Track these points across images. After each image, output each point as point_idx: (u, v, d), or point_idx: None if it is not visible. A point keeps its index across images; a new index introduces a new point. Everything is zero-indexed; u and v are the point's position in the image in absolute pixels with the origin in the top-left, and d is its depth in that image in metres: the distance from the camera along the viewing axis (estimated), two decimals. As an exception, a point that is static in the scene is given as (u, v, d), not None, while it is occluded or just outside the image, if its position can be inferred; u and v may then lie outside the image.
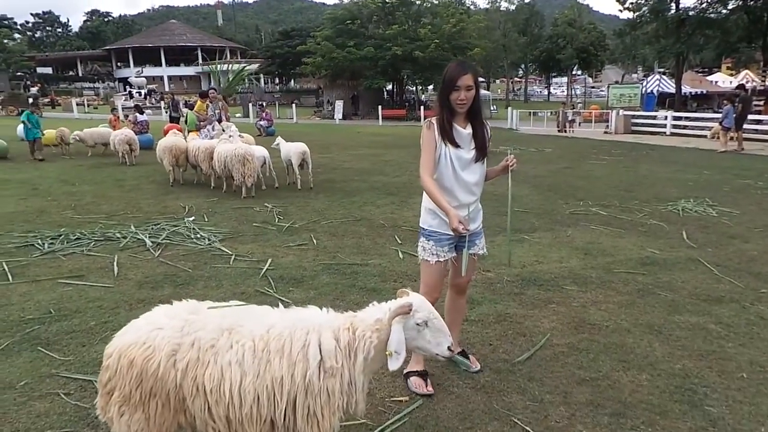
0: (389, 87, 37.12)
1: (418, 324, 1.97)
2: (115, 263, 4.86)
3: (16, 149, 13.49)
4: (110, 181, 9.52)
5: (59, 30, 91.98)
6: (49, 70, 66.78)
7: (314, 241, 5.69)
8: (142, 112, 14.49)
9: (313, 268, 4.84)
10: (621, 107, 23.46)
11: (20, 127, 17.36)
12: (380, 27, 33.47)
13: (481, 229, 2.98)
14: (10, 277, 4.48)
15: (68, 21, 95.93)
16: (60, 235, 5.73)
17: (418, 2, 34.44)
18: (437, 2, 35.73)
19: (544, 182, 9.56)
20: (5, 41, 58.39)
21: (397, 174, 10.34)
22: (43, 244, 5.42)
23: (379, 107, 28.95)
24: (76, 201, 7.68)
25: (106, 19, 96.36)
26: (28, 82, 52.43)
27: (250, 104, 31.40)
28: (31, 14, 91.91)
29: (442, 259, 2.82)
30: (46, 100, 41.82)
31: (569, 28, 52.23)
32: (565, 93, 55.62)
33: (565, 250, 5.49)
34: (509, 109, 27.39)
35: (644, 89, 27.68)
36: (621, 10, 30.04)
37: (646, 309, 3.99)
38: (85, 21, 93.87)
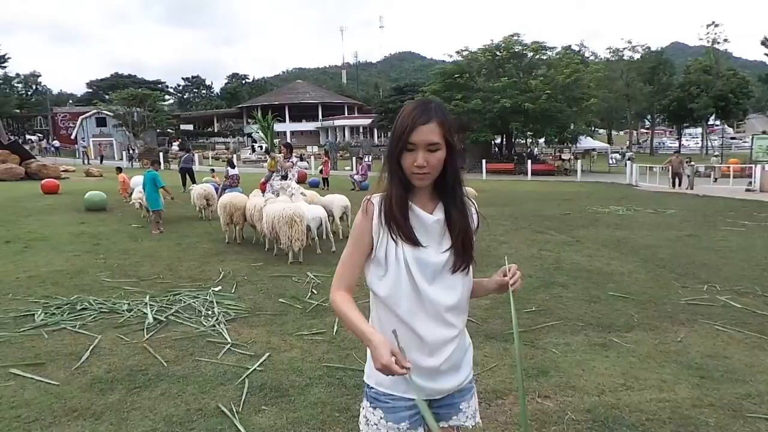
0: (498, 140, 35.79)
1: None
2: (89, 349, 4.14)
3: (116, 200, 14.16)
4: (173, 237, 9.29)
5: (204, 91, 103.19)
6: (191, 127, 74.44)
7: (334, 329, 4.60)
8: (233, 166, 14.61)
9: (311, 374, 3.73)
10: (768, 161, 19.97)
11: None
12: (490, 80, 32.63)
13: (470, 384, 1.70)
14: (-34, 360, 3.91)
15: (212, 84, 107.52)
16: (67, 304, 5.24)
17: (530, 54, 33.21)
18: (552, 54, 34.19)
19: (656, 255, 7.67)
20: (157, 103, 66.36)
21: (481, 237, 8.99)
22: (41, 315, 4.92)
23: (483, 161, 27.64)
24: (123, 261, 7.36)
25: (243, 81, 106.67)
26: (170, 138, 58.57)
27: (354, 158, 31.76)
28: (182, 78, 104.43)
29: None
30: (182, 153, 46.07)
31: (704, 75, 47.42)
32: (699, 145, 50.26)
33: (671, 367, 3.83)
34: (628, 162, 24.72)
35: (799, 140, 23.53)
36: (768, 53, 26.37)
37: None
38: (225, 83, 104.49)
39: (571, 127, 32.07)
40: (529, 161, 28.63)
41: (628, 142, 56.81)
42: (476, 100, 30.36)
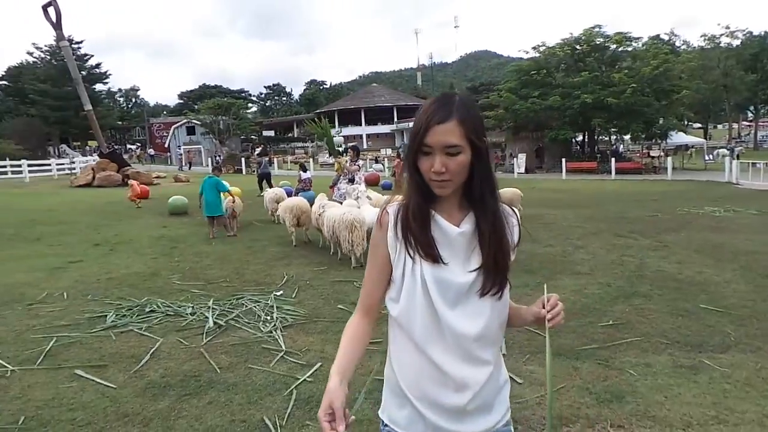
0: (579, 138, 34.14)
1: None
2: (150, 352, 4.22)
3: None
4: (245, 240, 9.50)
5: (284, 99, 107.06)
6: (272, 133, 77.35)
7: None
8: (305, 170, 14.89)
9: (361, 387, 3.55)
10: None
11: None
12: (569, 75, 31.20)
13: (506, 428, 1.42)
14: (38, 361, 4.09)
15: (291, 91, 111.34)
16: (137, 306, 5.42)
17: (613, 46, 31.39)
18: (638, 45, 32.10)
19: (759, 263, 6.80)
20: (241, 111, 69.56)
21: (551, 242, 8.47)
22: (112, 316, 5.11)
23: (563, 160, 26.40)
24: (195, 263, 7.59)
25: (321, 87, 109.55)
26: (253, 144, 61.13)
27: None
28: (264, 87, 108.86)
29: None
30: (259, 158, 48.18)
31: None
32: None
33: (776, 397, 3.29)
34: (726, 158, 22.63)
35: None
36: None
37: None
38: (304, 90, 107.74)
39: (660, 121, 29.92)
40: (613, 159, 27.00)
41: (727, 137, 52.24)
42: (554, 97, 29.14)
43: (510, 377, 3.46)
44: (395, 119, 72.16)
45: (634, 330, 4.47)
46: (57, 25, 25.77)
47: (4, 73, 61.35)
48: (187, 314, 5.16)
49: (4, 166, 27.64)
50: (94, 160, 28.90)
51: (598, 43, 30.92)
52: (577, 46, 31.23)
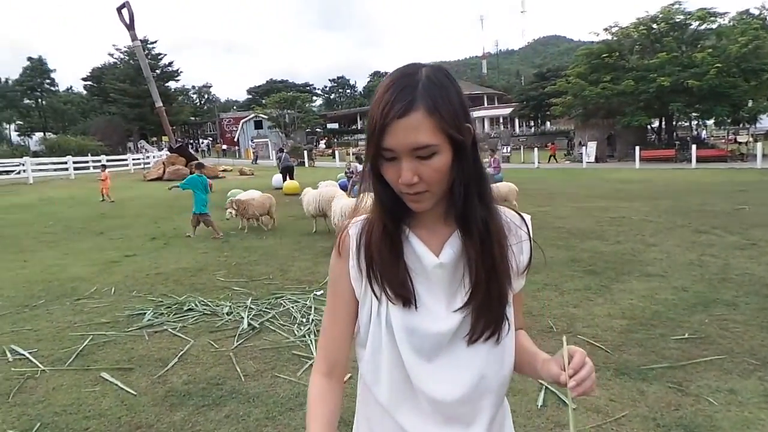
0: (655, 124, 31.93)
1: None
2: (178, 356, 4.07)
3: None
4: (294, 235, 9.37)
5: (348, 91, 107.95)
6: (336, 126, 78.19)
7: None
8: (361, 161, 14.66)
9: None
10: None
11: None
12: (644, 57, 29.16)
13: None
14: (69, 361, 4.03)
15: (355, 83, 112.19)
16: (176, 304, 5.33)
17: (694, 24, 28.98)
18: (724, 21, 29.45)
19: None
20: (306, 104, 70.76)
21: (620, 239, 7.73)
22: (150, 315, 5.04)
23: (637, 148, 24.70)
24: (242, 259, 7.51)
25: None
26: (317, 138, 62.10)
27: (489, 150, 30.40)
28: (329, 80, 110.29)
29: None
30: (329, 150, 49.23)
31: None
32: None
33: None
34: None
35: None
36: None
37: None
38: (368, 82, 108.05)
39: (749, 104, 27.35)
40: (694, 146, 24.96)
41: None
42: (628, 81, 27.28)
43: (563, 400, 3.01)
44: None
45: (715, 346, 3.83)
46: (130, 26, 27.01)
47: (88, 74, 65.61)
48: (223, 314, 5.01)
49: (86, 162, 29.44)
50: (166, 155, 30.16)
51: (677, 20, 28.62)
52: (654, 25, 29.08)
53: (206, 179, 9.78)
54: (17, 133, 72.35)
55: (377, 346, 0.98)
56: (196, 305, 5.26)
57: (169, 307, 5.25)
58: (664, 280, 5.57)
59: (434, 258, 0.95)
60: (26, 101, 72.58)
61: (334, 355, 1.04)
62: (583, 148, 29.08)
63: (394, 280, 0.95)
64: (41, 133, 63.40)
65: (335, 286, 1.04)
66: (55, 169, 29.05)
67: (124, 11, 26.74)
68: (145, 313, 5.08)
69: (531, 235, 1.04)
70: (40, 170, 28.37)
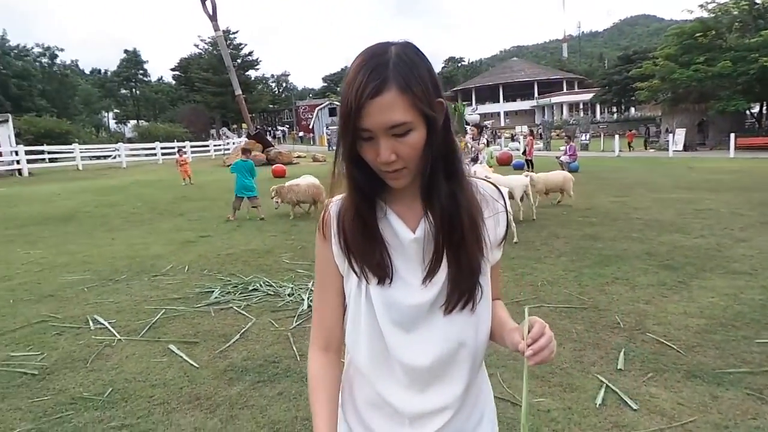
0: (755, 109, 29.30)
1: None
2: (240, 332, 4.23)
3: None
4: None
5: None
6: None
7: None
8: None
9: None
10: None
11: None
12: (744, 35, 26.74)
13: None
14: (143, 332, 4.31)
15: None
16: (242, 284, 5.55)
17: (807, -4, 26.16)
18: None
19: None
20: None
21: (704, 233, 7.18)
22: (217, 293, 5.27)
23: (732, 135, 22.78)
24: (308, 242, 7.67)
25: (458, 65, 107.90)
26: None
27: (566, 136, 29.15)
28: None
29: None
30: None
31: None
32: None
33: None
34: None
35: None
36: None
37: None
38: (442, 68, 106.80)
39: None
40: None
41: None
42: (725, 62, 25.16)
43: (624, 400, 2.85)
44: (536, 95, 68.64)
45: (806, 352, 3.47)
46: (213, 17, 28.24)
47: (176, 65, 69.42)
48: (285, 295, 5.15)
49: (173, 147, 31.29)
50: (245, 141, 31.45)
51: (786, -6, 26.03)
52: (758, 0, 26.57)
53: (251, 164, 10.28)
54: (114, 121, 78.16)
55: (357, 318, 1.03)
56: (260, 285, 5.45)
57: (236, 286, 5.47)
58: (752, 278, 5.10)
59: (410, 233, 0.99)
60: (122, 91, 78.17)
61: (329, 330, 1.09)
62: (670, 135, 27.23)
63: (370, 261, 0.99)
64: (135, 121, 68.08)
65: (322, 263, 1.08)
66: (146, 155, 31.09)
67: (208, 3, 27.98)
68: (213, 291, 5.33)
69: (507, 208, 1.07)
70: (133, 155, 30.49)
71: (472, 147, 10.25)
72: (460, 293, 0.99)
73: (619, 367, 3.36)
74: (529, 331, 0.94)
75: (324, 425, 1.04)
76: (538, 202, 9.47)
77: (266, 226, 9.26)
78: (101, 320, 4.59)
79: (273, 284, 5.48)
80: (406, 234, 0.99)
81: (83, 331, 4.39)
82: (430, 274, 0.98)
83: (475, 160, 9.34)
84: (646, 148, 30.22)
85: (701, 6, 28.91)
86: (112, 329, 4.38)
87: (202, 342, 4.08)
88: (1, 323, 4.66)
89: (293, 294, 5.16)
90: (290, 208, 10.26)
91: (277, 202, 10.00)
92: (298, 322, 4.43)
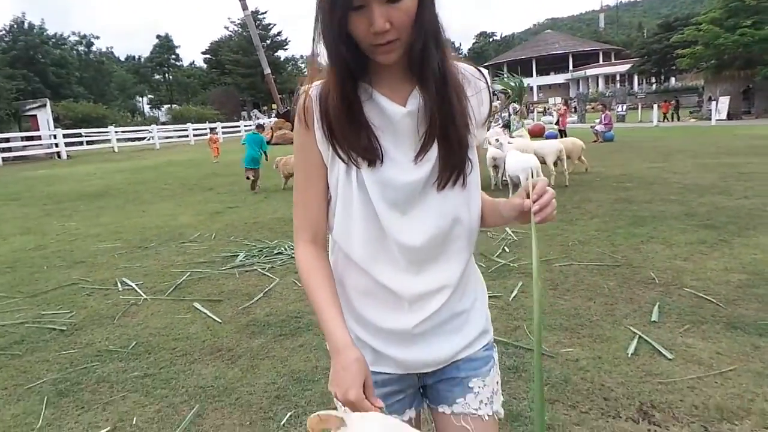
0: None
1: None
2: (264, 291, 4.22)
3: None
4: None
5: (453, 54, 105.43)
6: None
7: (513, 293, 3.80)
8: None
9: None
10: None
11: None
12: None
13: (487, 352, 1.12)
14: (169, 292, 4.34)
15: (461, 45, 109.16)
16: (267, 248, 5.54)
17: None
18: None
19: None
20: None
21: (747, 194, 6.80)
22: (242, 256, 5.28)
23: (781, 101, 21.61)
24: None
25: (490, 40, 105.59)
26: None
27: (601, 105, 28.20)
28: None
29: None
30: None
31: None
32: None
33: None
34: None
35: None
36: None
37: None
38: (473, 43, 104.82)
39: None
40: None
41: None
42: (774, 24, 23.79)
43: (658, 350, 2.70)
44: (570, 67, 66.58)
45: None
46: (241, -3, 28.24)
47: (207, 48, 70.02)
48: (310, 257, 5.12)
49: (204, 128, 31.73)
50: (274, 121, 31.63)
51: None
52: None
53: (262, 138, 11.03)
54: (149, 106, 79.71)
55: (348, 205, 0.99)
56: (285, 249, 5.43)
57: (261, 250, 5.48)
58: (799, 235, 4.81)
59: (401, 108, 0.96)
60: (156, 77, 79.47)
61: (315, 222, 1.04)
62: (713, 103, 26.03)
63: (357, 144, 0.95)
64: (168, 105, 69.24)
65: (304, 154, 1.02)
66: (179, 136, 31.62)
67: (236, -18, 27.96)
68: (238, 255, 5.34)
69: (489, 86, 1.05)
70: (166, 138, 31.04)
71: (502, 113, 9.98)
72: (452, 168, 0.98)
73: (653, 319, 3.20)
74: (533, 189, 0.96)
75: (335, 309, 0.97)
76: (573, 168, 9.13)
77: (290, 196, 9.24)
78: (129, 282, 4.66)
79: (298, 248, 5.45)
80: (396, 109, 0.96)
81: (111, 292, 4.46)
82: (424, 149, 0.97)
83: (507, 126, 9.09)
84: (673, 119, 28.89)
85: (747, -35, 27.28)
86: (138, 290, 4.43)
87: (225, 300, 4.09)
88: (35, 286, 4.78)
89: (317, 256, 5.12)
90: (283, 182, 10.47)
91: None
92: (321, 282, 4.39)
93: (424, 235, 0.98)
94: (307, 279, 1.01)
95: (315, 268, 1.01)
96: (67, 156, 24.72)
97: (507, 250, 5.00)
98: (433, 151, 0.97)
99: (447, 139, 0.96)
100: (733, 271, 3.96)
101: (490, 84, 1.06)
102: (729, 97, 26.77)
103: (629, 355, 2.77)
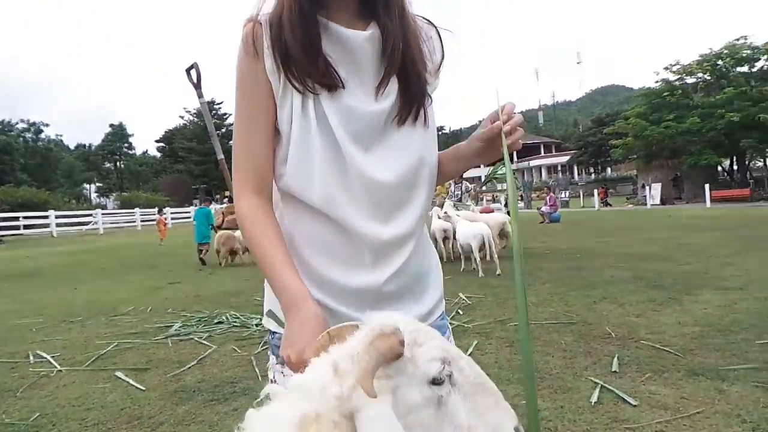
0: (726, 163, 30.15)
1: (435, 383, 0.62)
2: (198, 359, 3.83)
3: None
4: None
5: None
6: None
7: (468, 351, 3.58)
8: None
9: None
10: None
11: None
12: (709, 94, 27.95)
13: (441, 321, 1.01)
14: (88, 363, 3.87)
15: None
16: (206, 318, 5.15)
17: (763, 58, 27.61)
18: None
19: None
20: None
21: (690, 260, 6.98)
22: (179, 324, 4.87)
23: (706, 187, 23.22)
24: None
25: (439, 133, 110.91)
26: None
27: (545, 187, 29.42)
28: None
29: None
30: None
31: None
32: None
33: None
34: None
35: None
36: None
37: None
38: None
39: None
40: (773, 184, 23.20)
41: None
42: (693, 118, 26.12)
43: (622, 397, 2.52)
44: (515, 158, 70.34)
45: (813, 349, 3.19)
46: (197, 85, 28.70)
47: (161, 136, 70.29)
48: (252, 325, 4.77)
49: (153, 213, 30.93)
50: (225, 206, 31.31)
51: (744, 55, 27.45)
52: (719, 62, 27.98)
53: (208, 210, 11.32)
54: (96, 194, 77.83)
55: (306, 140, 0.88)
56: (227, 318, 5.06)
57: (199, 320, 5.08)
58: (743, 293, 4.87)
59: (362, 32, 0.89)
60: (106, 164, 78.42)
61: (260, 169, 0.92)
62: (647, 189, 27.71)
63: (314, 71, 0.87)
64: (118, 193, 67.84)
65: (249, 89, 0.91)
66: (125, 222, 30.68)
67: (193, 72, 28.59)
68: (172, 325, 4.92)
69: (440, 34, 1.00)
70: (111, 222, 30.05)
71: (455, 190, 10.18)
72: (411, 101, 0.91)
73: (613, 370, 3.04)
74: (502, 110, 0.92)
75: (287, 260, 0.86)
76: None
77: (243, 272, 8.87)
78: (43, 354, 4.15)
79: (240, 316, 5.09)
80: (357, 34, 0.89)
81: (21, 365, 3.95)
82: (386, 79, 0.90)
83: (460, 200, 9.25)
84: (605, 205, 30.22)
85: (666, 68, 30.38)
86: (53, 361, 3.94)
87: (153, 369, 3.67)
88: (-68, 362, 4.19)
89: (261, 324, 4.77)
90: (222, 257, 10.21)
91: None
92: (263, 347, 4.04)
93: (392, 172, 0.89)
94: (252, 231, 0.88)
95: (262, 222, 0.89)
96: (1, 241, 23.33)
97: (461, 312, 4.82)
98: (393, 85, 0.90)
99: (406, 71, 0.91)
100: (687, 325, 3.90)
101: (439, 31, 1.01)
102: (660, 184, 28.63)
103: (592, 404, 2.57)
